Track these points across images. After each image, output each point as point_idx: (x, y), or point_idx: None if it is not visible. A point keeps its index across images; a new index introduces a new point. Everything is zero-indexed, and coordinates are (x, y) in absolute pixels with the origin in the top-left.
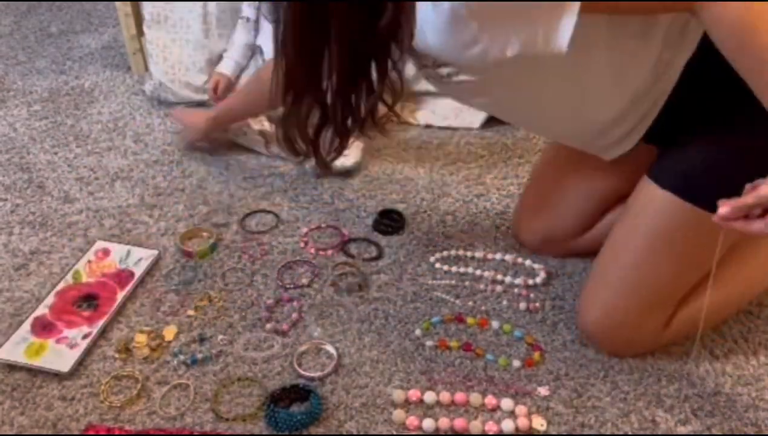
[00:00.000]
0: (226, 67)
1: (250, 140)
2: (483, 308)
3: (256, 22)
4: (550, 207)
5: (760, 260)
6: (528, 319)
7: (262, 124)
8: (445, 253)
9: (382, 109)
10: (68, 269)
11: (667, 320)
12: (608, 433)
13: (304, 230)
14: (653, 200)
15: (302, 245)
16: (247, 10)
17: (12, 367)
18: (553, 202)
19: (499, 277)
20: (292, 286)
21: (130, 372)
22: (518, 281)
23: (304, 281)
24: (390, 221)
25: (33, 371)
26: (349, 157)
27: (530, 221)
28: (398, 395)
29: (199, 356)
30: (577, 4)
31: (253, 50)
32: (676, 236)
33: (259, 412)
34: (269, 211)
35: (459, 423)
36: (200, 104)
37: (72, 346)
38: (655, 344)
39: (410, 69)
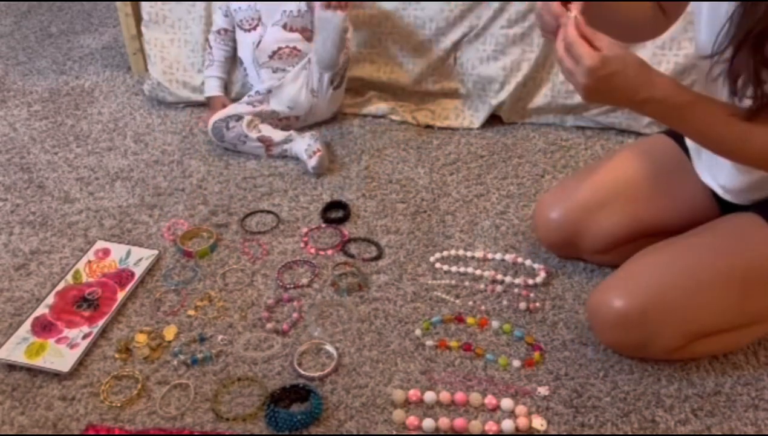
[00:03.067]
0: (213, 89)
1: (250, 148)
2: (483, 308)
3: (232, 31)
4: (581, 214)
5: None
6: (528, 319)
7: (259, 130)
8: (445, 253)
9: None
10: (68, 269)
11: (686, 343)
12: (608, 433)
13: (304, 229)
14: (759, 236)
15: (302, 245)
16: (221, 22)
17: (12, 367)
18: (587, 210)
19: (499, 277)
20: (292, 286)
21: (130, 372)
22: (518, 281)
23: (304, 281)
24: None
25: (33, 371)
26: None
27: (553, 223)
28: (398, 395)
29: (199, 356)
30: None
31: (233, 62)
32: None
33: (259, 412)
34: (269, 212)
35: (459, 423)
36: (200, 104)
37: (72, 346)
38: (660, 358)
39: (408, 76)
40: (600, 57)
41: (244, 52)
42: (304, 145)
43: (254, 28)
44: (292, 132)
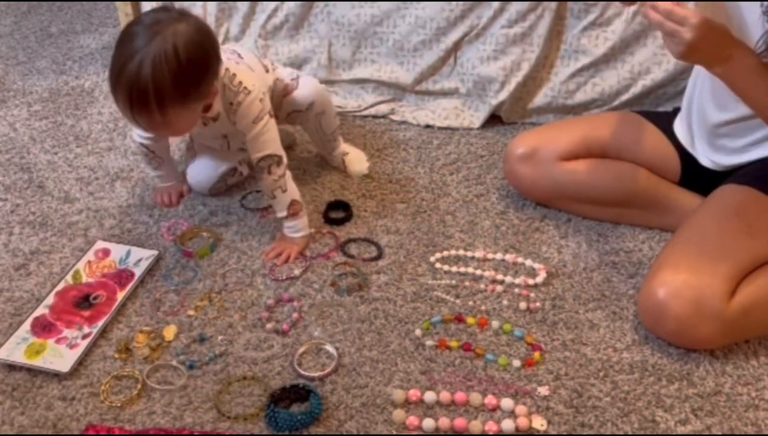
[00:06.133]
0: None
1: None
2: (483, 308)
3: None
4: (542, 135)
5: None
6: (528, 319)
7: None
8: (445, 253)
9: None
10: (68, 269)
11: (732, 291)
12: (608, 433)
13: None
14: (729, 191)
15: None
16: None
17: (12, 367)
18: (548, 129)
19: (499, 277)
20: (283, 277)
21: (130, 372)
22: (518, 281)
23: (297, 272)
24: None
25: (33, 371)
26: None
27: (518, 148)
28: (398, 395)
29: (197, 360)
30: None
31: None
32: (746, 213)
33: (260, 412)
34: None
35: (459, 423)
36: None
37: (72, 346)
38: (720, 318)
39: (408, 76)
40: (702, 16)
41: None
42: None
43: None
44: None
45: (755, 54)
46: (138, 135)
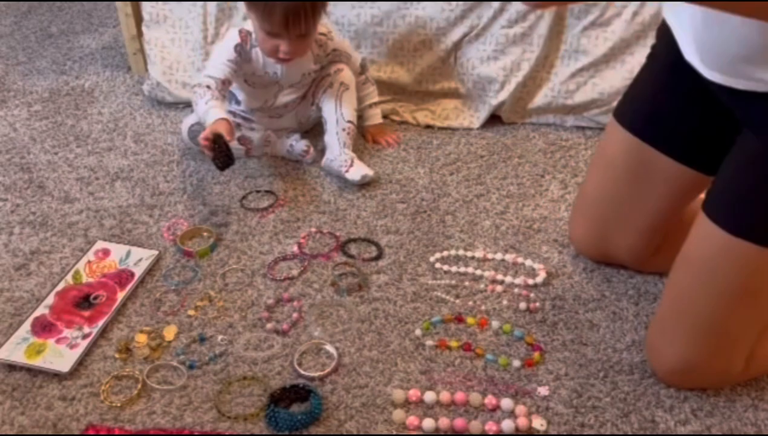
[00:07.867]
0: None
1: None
2: (483, 308)
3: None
4: (605, 220)
5: None
6: (528, 319)
7: (240, 130)
8: (445, 253)
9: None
10: (68, 269)
11: (747, 360)
12: (608, 433)
13: (303, 233)
14: (708, 239)
15: (301, 244)
16: (228, 72)
17: (12, 367)
18: (609, 216)
19: (499, 277)
20: (282, 278)
21: (130, 372)
22: (518, 281)
23: (294, 272)
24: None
25: (33, 371)
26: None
27: (585, 230)
28: (398, 395)
29: (197, 360)
30: None
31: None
32: (735, 276)
33: (260, 412)
34: (270, 192)
35: (459, 423)
36: None
37: (72, 346)
38: (738, 380)
39: (408, 76)
40: None
41: (243, 97)
42: (286, 147)
43: (265, 87)
44: (269, 133)
45: None
46: (226, 62)
